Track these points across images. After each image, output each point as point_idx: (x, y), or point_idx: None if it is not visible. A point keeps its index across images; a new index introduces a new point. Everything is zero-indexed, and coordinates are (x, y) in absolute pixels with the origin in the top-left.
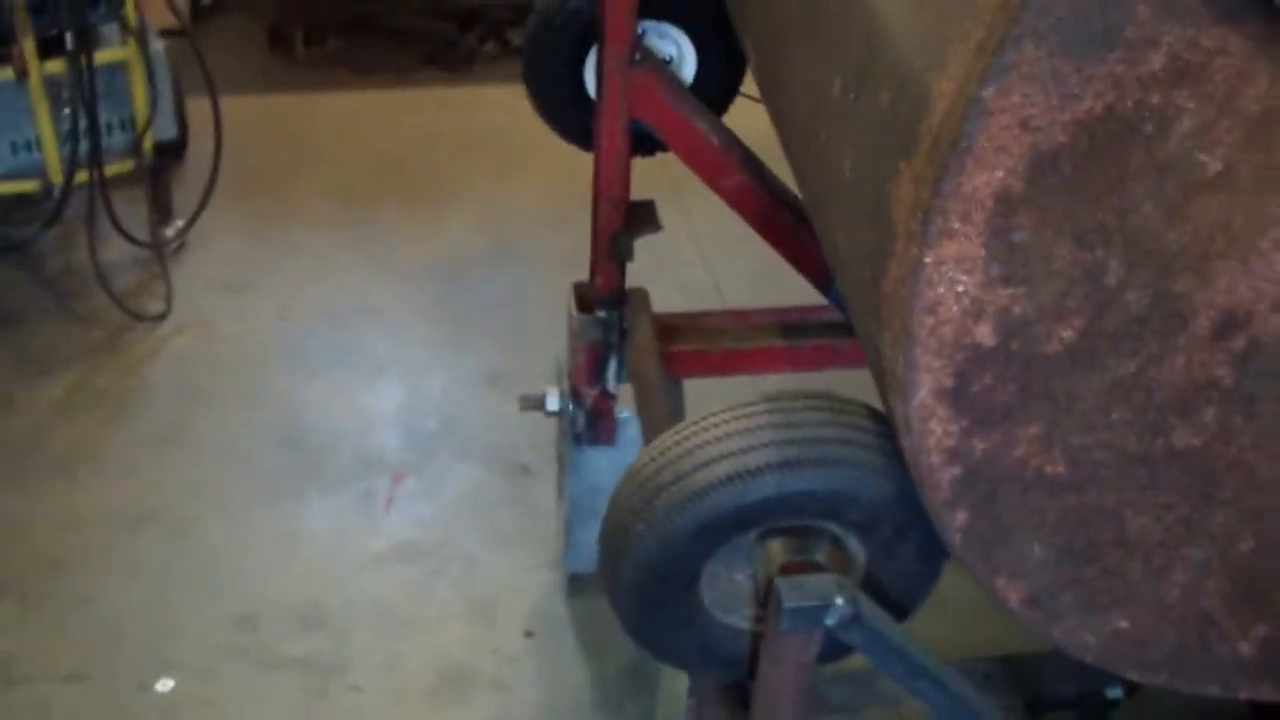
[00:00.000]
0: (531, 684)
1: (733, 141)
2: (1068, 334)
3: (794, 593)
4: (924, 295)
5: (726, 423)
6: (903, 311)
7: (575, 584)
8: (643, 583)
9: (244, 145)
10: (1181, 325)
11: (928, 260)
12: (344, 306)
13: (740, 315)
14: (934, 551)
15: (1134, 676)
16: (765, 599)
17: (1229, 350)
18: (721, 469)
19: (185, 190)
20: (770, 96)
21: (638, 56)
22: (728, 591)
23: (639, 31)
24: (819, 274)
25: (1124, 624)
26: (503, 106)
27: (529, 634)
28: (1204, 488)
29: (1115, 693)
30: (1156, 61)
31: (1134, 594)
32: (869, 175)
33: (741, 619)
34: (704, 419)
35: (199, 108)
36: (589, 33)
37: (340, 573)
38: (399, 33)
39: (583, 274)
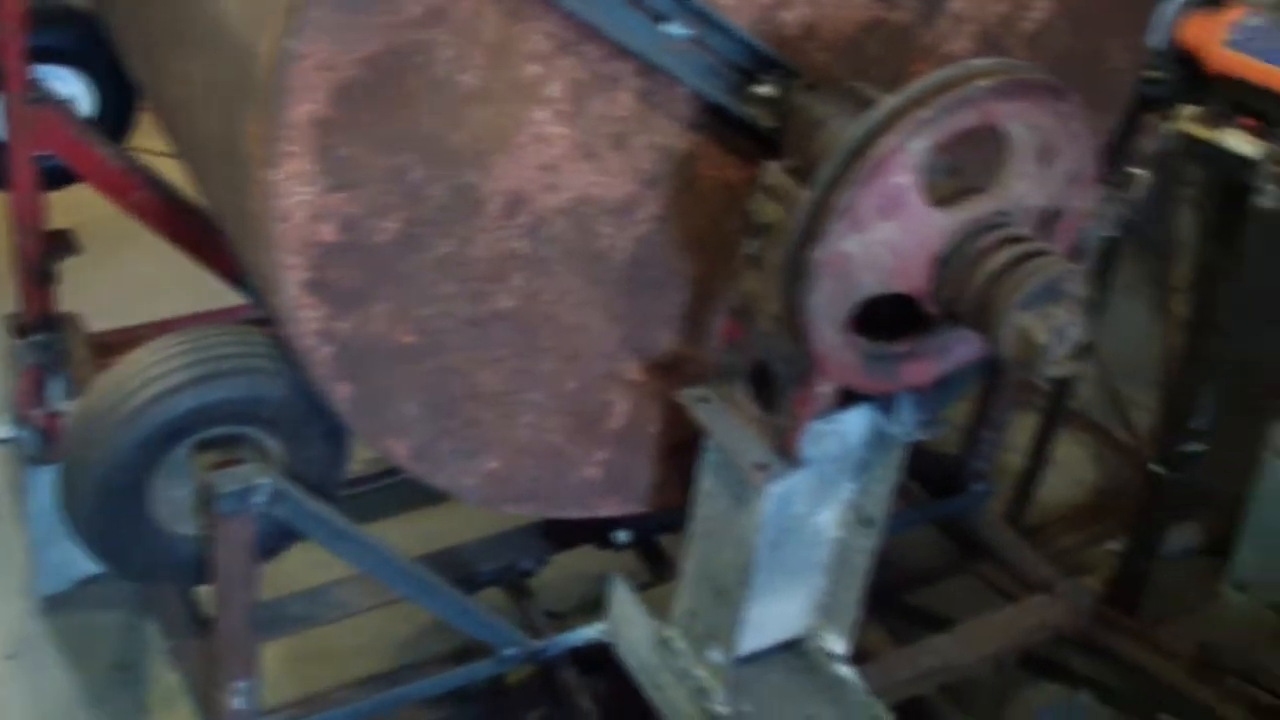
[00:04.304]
0: (21, 700)
1: (133, 163)
2: (392, 225)
3: (225, 480)
4: (276, 206)
5: (149, 355)
6: (264, 223)
7: (49, 604)
8: (100, 503)
9: None
10: (478, 209)
11: (274, 178)
12: None
13: (166, 325)
14: (335, 434)
15: (510, 509)
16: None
17: (519, 225)
18: (150, 390)
19: None
20: (157, 102)
21: (36, 96)
22: (173, 505)
23: (34, 75)
24: (230, 271)
25: (493, 464)
26: None
27: (10, 657)
28: (528, 340)
29: (526, 564)
30: (415, 10)
31: (493, 438)
32: (228, 128)
33: (189, 527)
34: (129, 358)
35: None
36: None
37: None
38: None
39: None
